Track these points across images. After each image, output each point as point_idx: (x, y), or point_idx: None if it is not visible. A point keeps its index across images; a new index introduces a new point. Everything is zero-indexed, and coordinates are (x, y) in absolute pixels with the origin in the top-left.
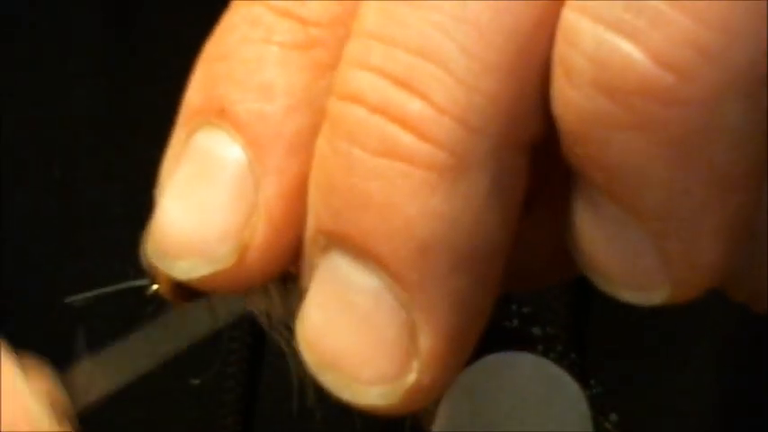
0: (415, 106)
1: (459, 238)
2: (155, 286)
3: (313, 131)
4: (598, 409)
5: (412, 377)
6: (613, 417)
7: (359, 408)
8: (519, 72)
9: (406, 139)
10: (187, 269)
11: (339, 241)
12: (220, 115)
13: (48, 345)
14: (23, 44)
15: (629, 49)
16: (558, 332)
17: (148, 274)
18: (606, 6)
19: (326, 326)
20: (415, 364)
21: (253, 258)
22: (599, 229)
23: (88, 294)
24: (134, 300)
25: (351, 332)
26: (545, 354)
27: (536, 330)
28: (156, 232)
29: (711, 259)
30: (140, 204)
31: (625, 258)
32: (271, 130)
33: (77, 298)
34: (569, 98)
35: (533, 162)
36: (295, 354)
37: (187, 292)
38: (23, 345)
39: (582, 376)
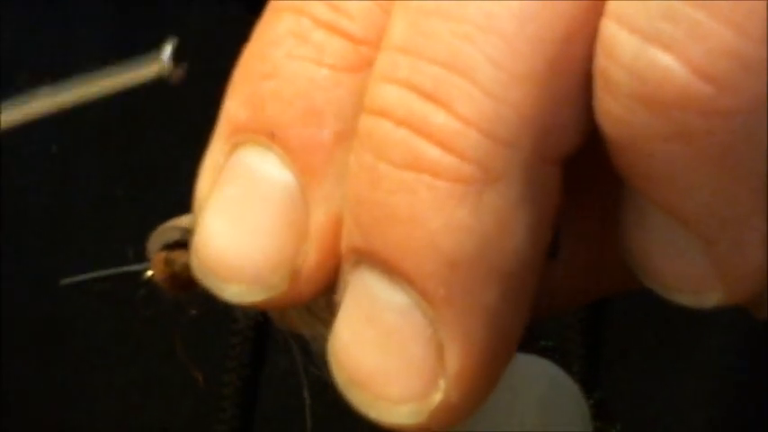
0: (440, 118)
1: (486, 253)
2: (149, 272)
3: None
4: (602, 418)
5: (439, 396)
6: (618, 426)
7: (386, 426)
8: (550, 83)
9: (432, 152)
10: (239, 294)
11: (367, 257)
12: (270, 137)
13: (44, 323)
14: (27, 27)
15: (668, 61)
16: (564, 342)
17: (147, 259)
18: (644, 17)
19: (355, 343)
20: (443, 383)
21: (304, 284)
22: (650, 236)
23: (83, 277)
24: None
25: (377, 349)
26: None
27: (543, 342)
28: (203, 251)
29: (762, 262)
30: (141, 185)
31: (677, 264)
32: (321, 158)
33: (72, 280)
34: (610, 110)
35: (580, 172)
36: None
37: (183, 281)
38: (20, 323)
39: (586, 385)
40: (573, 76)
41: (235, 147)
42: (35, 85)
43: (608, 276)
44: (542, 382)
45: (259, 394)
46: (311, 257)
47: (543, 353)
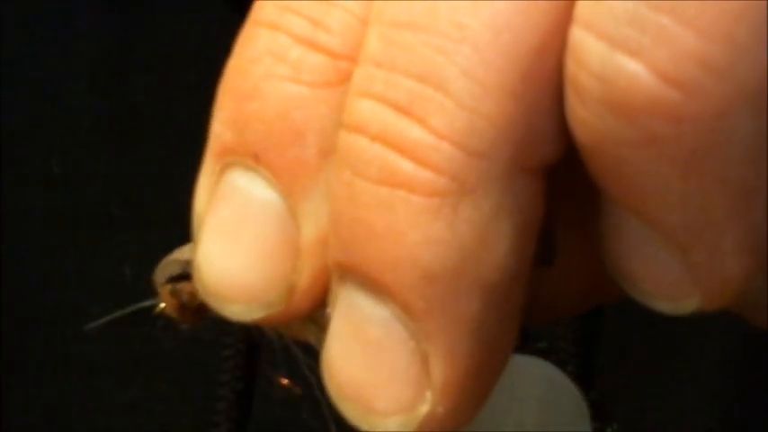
0: (414, 132)
1: (465, 265)
2: (162, 305)
3: None
4: (598, 418)
5: (426, 408)
6: (615, 426)
7: None
8: (524, 93)
9: (406, 167)
10: (240, 312)
11: (350, 272)
12: (255, 159)
13: (44, 343)
14: (24, 40)
15: (635, 67)
16: (559, 342)
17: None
18: (611, 23)
19: (344, 356)
20: (429, 395)
21: (300, 299)
22: (626, 242)
23: (105, 319)
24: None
25: (364, 363)
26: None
27: (541, 344)
28: (203, 273)
29: (737, 270)
30: (140, 203)
31: (653, 270)
32: (306, 176)
33: (94, 325)
34: (581, 117)
35: (577, 176)
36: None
37: (193, 311)
38: (21, 343)
39: (581, 385)
40: (548, 85)
41: (224, 168)
42: (35, 86)
43: (608, 281)
44: (541, 384)
45: (253, 408)
46: (305, 274)
47: (538, 353)
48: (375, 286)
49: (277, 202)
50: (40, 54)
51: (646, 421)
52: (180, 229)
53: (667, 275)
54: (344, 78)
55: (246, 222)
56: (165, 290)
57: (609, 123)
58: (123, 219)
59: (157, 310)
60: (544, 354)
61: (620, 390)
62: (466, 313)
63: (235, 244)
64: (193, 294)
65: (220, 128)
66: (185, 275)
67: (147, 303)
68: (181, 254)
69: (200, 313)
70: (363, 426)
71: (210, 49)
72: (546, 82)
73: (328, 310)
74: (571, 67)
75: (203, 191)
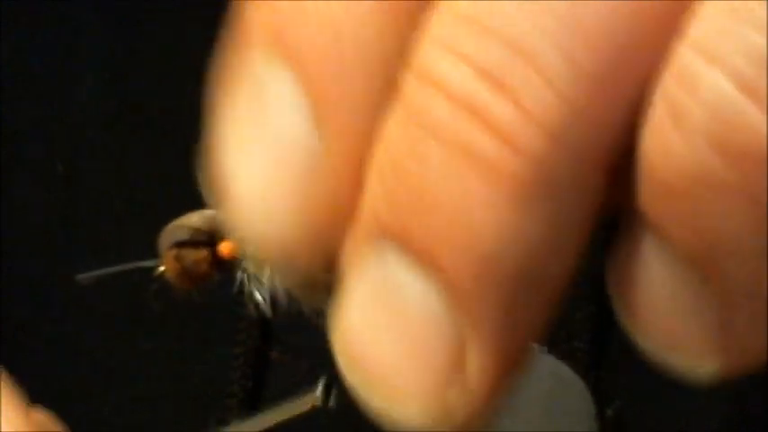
0: (504, 109)
1: (527, 257)
2: (161, 268)
3: (383, 93)
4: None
5: (453, 395)
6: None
7: (388, 420)
8: (615, 86)
9: (489, 144)
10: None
11: (396, 238)
12: (286, 56)
13: (46, 342)
14: (28, 39)
15: (754, 111)
16: (571, 339)
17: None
18: (730, 56)
19: (366, 328)
20: (459, 383)
21: (313, 234)
22: (658, 281)
23: (99, 272)
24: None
25: (392, 340)
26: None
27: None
28: (223, 181)
29: (766, 345)
30: (143, 202)
31: (679, 319)
32: (339, 82)
33: (87, 276)
34: (673, 145)
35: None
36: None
37: (193, 276)
38: (21, 343)
39: (591, 383)
40: (634, 83)
41: (248, 57)
42: (38, 86)
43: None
44: (548, 378)
45: (262, 406)
46: (320, 191)
47: (549, 348)
48: (424, 259)
49: (298, 99)
50: (43, 54)
51: (652, 418)
52: None
53: (696, 328)
54: None
55: (265, 112)
56: (169, 254)
57: (707, 160)
58: (127, 217)
59: (157, 272)
60: (552, 348)
61: (627, 385)
62: (515, 306)
63: (251, 153)
64: (197, 261)
65: (254, 26)
66: (191, 242)
67: (146, 263)
68: (189, 220)
69: (199, 281)
70: (374, 402)
71: (212, 50)
72: (634, 78)
73: (340, 259)
74: (672, 88)
75: (224, 76)
